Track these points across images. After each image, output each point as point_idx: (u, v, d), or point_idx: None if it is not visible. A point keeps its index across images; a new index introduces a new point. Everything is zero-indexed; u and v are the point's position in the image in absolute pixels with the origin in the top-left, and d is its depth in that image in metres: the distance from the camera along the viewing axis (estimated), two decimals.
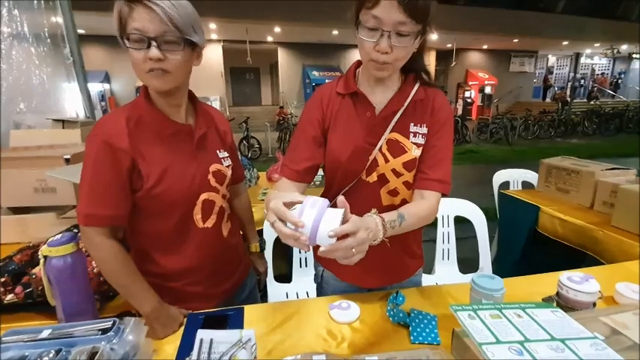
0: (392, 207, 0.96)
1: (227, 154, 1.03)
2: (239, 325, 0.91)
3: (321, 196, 1.09)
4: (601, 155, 6.84)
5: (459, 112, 14.21)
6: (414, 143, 0.91)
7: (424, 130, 0.92)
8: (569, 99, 12.80)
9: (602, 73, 19.00)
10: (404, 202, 0.97)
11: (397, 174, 0.93)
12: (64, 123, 2.00)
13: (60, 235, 0.87)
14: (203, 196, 0.93)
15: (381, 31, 0.76)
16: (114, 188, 0.82)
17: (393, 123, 0.91)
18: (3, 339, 0.70)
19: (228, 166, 1.01)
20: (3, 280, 1.01)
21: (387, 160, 0.91)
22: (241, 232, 1.21)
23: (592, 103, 14.30)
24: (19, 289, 0.99)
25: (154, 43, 0.76)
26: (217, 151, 1.00)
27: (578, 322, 0.60)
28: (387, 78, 0.91)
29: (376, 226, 0.76)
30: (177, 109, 0.92)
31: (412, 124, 0.92)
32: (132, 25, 0.76)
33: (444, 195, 0.94)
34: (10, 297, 0.98)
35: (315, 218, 0.63)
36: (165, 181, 0.86)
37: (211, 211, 0.96)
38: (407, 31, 0.77)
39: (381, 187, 0.94)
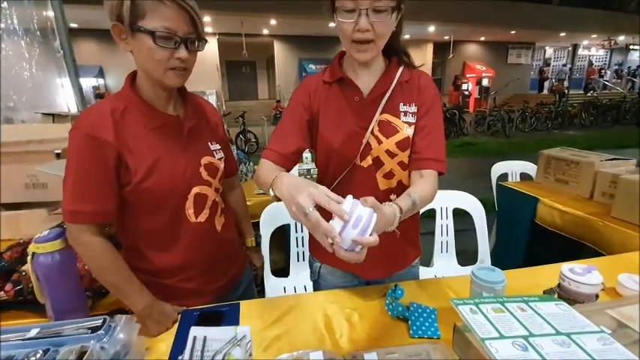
0: (389, 191, 0.95)
1: (219, 147, 1.00)
2: (235, 321, 0.89)
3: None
4: (598, 147, 6.82)
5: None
6: (406, 122, 0.92)
7: (414, 108, 0.93)
8: (566, 91, 12.77)
9: (592, 64, 18.86)
10: (400, 184, 0.96)
11: (391, 155, 0.92)
12: (55, 117, 1.96)
13: (47, 231, 0.84)
14: (195, 190, 0.91)
15: (358, 11, 0.78)
16: (99, 183, 0.79)
17: (382, 104, 0.91)
18: None
19: (220, 159, 0.99)
20: None
21: (380, 142, 0.91)
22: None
23: (589, 94, 14.29)
24: (8, 286, 0.97)
25: (182, 44, 0.78)
26: (209, 144, 0.97)
27: (583, 315, 0.58)
28: (372, 61, 0.91)
29: (393, 217, 0.76)
30: (167, 101, 0.89)
31: (401, 103, 0.92)
32: (160, 22, 0.75)
33: (440, 173, 0.93)
34: None
35: (364, 222, 0.64)
36: (154, 174, 0.83)
37: (204, 206, 0.93)
38: (384, 6, 0.78)
39: (377, 170, 0.93)
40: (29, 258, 0.83)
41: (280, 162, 0.91)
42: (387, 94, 0.91)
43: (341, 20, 0.81)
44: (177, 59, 0.79)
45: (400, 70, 0.93)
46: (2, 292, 0.96)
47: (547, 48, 19.19)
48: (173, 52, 0.78)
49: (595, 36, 15.65)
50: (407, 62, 0.95)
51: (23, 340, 0.68)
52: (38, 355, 0.63)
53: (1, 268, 1.03)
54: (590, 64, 19.47)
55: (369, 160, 0.93)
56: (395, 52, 0.94)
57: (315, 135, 0.96)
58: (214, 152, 0.97)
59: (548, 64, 19.55)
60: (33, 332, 0.70)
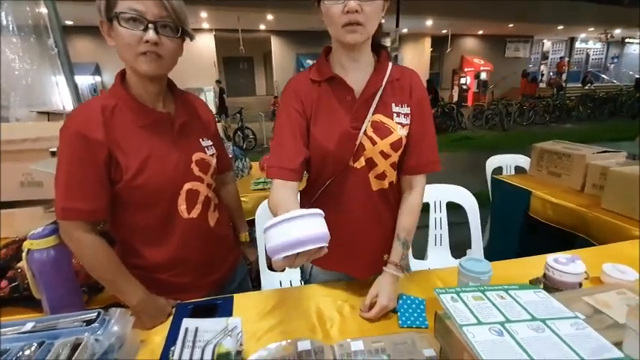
0: (381, 191, 0.96)
1: (211, 143, 1.00)
2: (228, 313, 0.91)
3: (304, 189, 1.05)
4: (595, 139, 6.84)
5: (455, 98, 14.18)
6: (399, 123, 0.91)
7: (406, 110, 0.92)
8: (563, 84, 12.77)
9: (562, 57, 18.46)
10: (392, 185, 0.96)
11: (385, 155, 0.91)
12: (50, 115, 1.96)
13: (42, 228, 0.85)
14: (187, 186, 0.91)
15: None
16: (90, 181, 0.80)
17: (374, 104, 0.89)
18: None
19: (212, 155, 0.99)
20: None
21: (374, 143, 0.89)
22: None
23: (586, 88, 14.30)
24: (4, 283, 0.98)
25: (151, 26, 0.76)
26: (200, 140, 0.97)
27: (561, 302, 0.60)
28: (361, 54, 0.89)
29: (397, 279, 0.93)
30: (156, 97, 0.89)
31: (394, 104, 0.91)
32: (127, 4, 0.74)
33: (435, 171, 0.96)
34: None
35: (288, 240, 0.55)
36: (145, 171, 0.84)
37: (196, 201, 0.94)
38: None
39: (369, 171, 0.93)
40: (24, 254, 0.84)
41: (289, 177, 0.85)
42: (379, 93, 0.89)
43: (329, 3, 0.79)
44: (146, 42, 0.77)
45: (390, 66, 0.91)
46: None
47: (545, 41, 19.15)
48: (142, 36, 0.76)
49: (592, 29, 15.64)
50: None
51: (19, 333, 0.70)
52: (33, 348, 0.65)
53: None
54: (588, 57, 19.42)
55: (362, 162, 0.91)
56: (380, 46, 0.93)
57: (307, 137, 0.92)
58: (206, 148, 0.97)
59: (546, 58, 19.49)
60: (28, 326, 0.71)
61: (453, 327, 0.54)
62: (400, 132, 0.90)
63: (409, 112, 0.92)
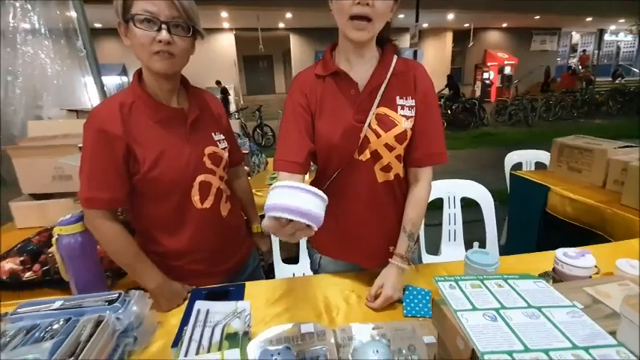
0: (387, 183, 0.97)
1: (222, 137, 1.05)
2: (240, 299, 0.95)
3: (313, 181, 1.07)
4: (624, 135, 6.53)
5: (477, 94, 13.84)
6: (403, 116, 0.91)
7: (411, 102, 0.92)
8: (593, 77, 12.22)
9: (584, 50, 17.51)
10: (397, 177, 0.97)
11: (390, 148, 0.92)
12: (78, 113, 2.08)
13: (70, 215, 0.92)
14: (200, 178, 0.96)
15: None
16: (110, 173, 0.86)
17: (378, 97, 0.90)
18: (18, 310, 0.76)
19: (224, 149, 1.04)
20: (22, 259, 1.08)
21: (378, 136, 0.90)
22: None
23: (617, 82, 13.64)
24: (37, 266, 1.07)
25: (164, 26, 0.81)
26: (212, 134, 1.02)
27: (561, 292, 0.60)
28: (366, 49, 0.90)
29: (402, 271, 0.94)
30: (170, 94, 0.94)
31: (398, 97, 0.91)
32: (141, 6, 0.79)
33: (442, 162, 0.96)
34: (28, 274, 1.05)
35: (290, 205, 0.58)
36: (160, 164, 0.89)
37: (209, 193, 0.99)
38: None
39: (375, 163, 0.94)
40: (54, 240, 0.91)
41: (296, 170, 0.88)
42: (383, 86, 0.90)
43: None
44: (160, 42, 0.81)
45: (395, 59, 0.92)
46: (31, 272, 1.06)
47: (573, 34, 18.38)
48: (156, 36, 0.81)
49: (622, 21, 14.89)
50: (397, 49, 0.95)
51: (49, 310, 0.76)
52: (60, 323, 0.71)
53: (30, 250, 1.13)
54: (618, 49, 18.47)
55: (367, 154, 0.92)
56: (387, 41, 0.94)
57: (312, 131, 0.94)
58: (218, 142, 1.02)
59: (575, 50, 18.69)
60: (57, 304, 0.78)
61: (448, 312, 0.56)
62: (405, 124, 0.91)
63: (414, 104, 0.92)
